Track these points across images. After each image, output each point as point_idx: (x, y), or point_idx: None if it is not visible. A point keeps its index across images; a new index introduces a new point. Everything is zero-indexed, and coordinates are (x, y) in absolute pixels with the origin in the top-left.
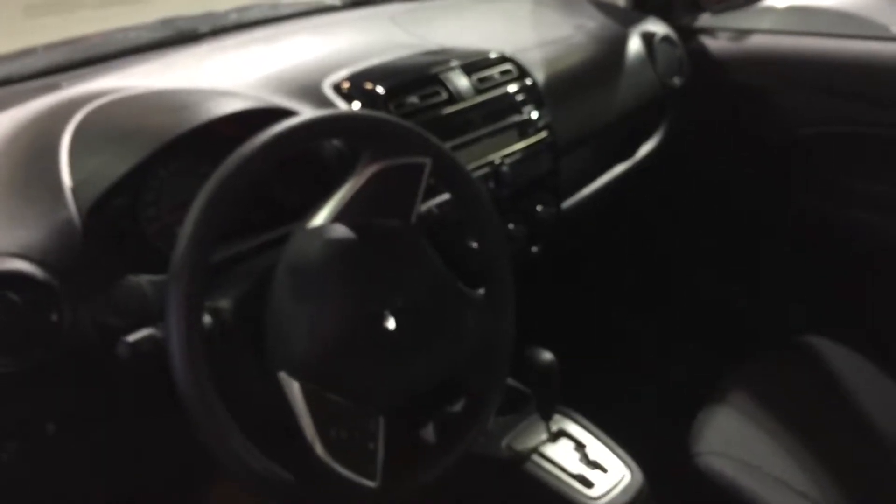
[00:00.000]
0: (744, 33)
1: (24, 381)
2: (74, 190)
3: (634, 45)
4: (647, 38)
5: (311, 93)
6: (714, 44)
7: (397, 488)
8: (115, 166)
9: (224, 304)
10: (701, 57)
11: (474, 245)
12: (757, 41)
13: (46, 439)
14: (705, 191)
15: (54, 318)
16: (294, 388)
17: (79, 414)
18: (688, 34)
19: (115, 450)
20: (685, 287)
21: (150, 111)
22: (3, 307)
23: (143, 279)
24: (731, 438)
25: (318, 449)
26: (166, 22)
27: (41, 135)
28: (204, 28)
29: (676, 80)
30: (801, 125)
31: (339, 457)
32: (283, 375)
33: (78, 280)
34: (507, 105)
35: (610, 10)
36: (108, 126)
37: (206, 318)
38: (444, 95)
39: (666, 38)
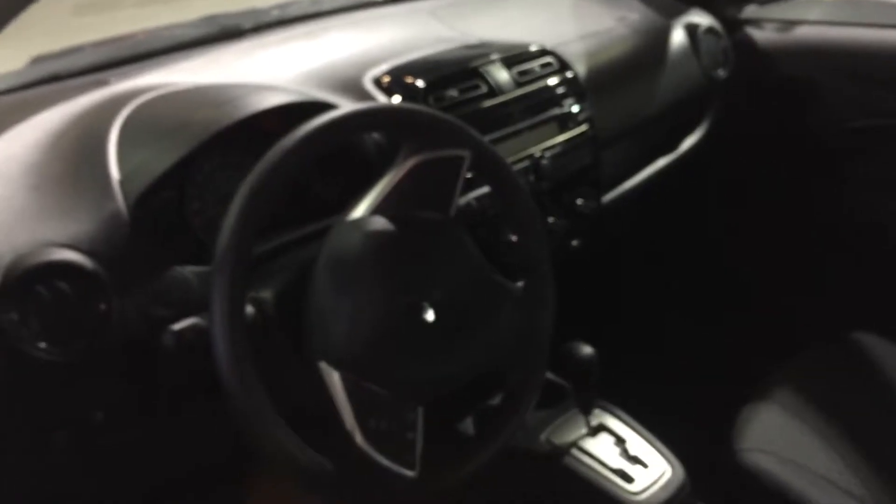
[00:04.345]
0: (791, 24)
1: (74, 370)
2: (122, 183)
3: (678, 36)
4: (691, 30)
5: (352, 87)
6: (760, 35)
7: (436, 479)
8: (161, 160)
9: (266, 294)
10: (746, 48)
11: (514, 238)
12: (804, 32)
13: (95, 427)
14: (750, 185)
15: (103, 307)
16: (334, 378)
17: (126, 403)
18: (733, 25)
19: (160, 439)
20: (729, 282)
21: (195, 106)
22: (53, 297)
23: (188, 270)
24: (775, 435)
25: (358, 438)
26: (210, 19)
27: (90, 129)
28: (246, 24)
29: (721, 73)
30: (850, 118)
31: (379, 446)
32: (323, 365)
33: (125, 270)
34: (548, 98)
35: (653, 2)
36: (153, 120)
37: (249, 309)
38: (484, 89)
39: (710, 30)
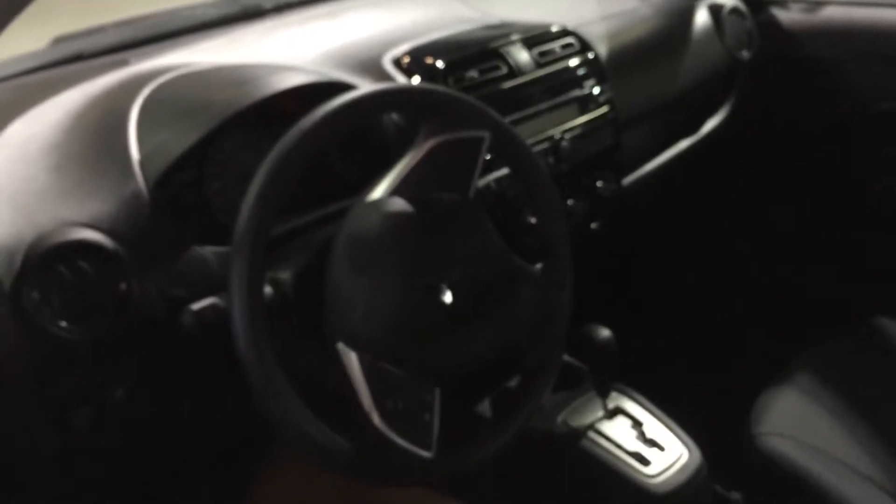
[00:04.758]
0: (816, 4)
1: (94, 348)
2: (142, 163)
3: (702, 17)
4: (715, 10)
5: (372, 67)
6: (785, 16)
7: (452, 460)
8: (181, 140)
9: (284, 275)
10: (771, 29)
11: (533, 220)
12: (830, 13)
13: (115, 406)
14: (773, 168)
15: (123, 287)
16: (352, 359)
17: (145, 382)
18: (757, 6)
19: (178, 418)
20: (750, 267)
21: (215, 86)
22: (74, 276)
23: (208, 250)
24: (794, 420)
25: (375, 418)
26: None
27: (110, 109)
28: (267, 4)
29: (745, 54)
30: (876, 101)
31: (396, 427)
32: (341, 346)
33: (145, 250)
34: (569, 79)
35: None
36: (174, 100)
37: (267, 289)
38: (504, 70)
39: (735, 10)
